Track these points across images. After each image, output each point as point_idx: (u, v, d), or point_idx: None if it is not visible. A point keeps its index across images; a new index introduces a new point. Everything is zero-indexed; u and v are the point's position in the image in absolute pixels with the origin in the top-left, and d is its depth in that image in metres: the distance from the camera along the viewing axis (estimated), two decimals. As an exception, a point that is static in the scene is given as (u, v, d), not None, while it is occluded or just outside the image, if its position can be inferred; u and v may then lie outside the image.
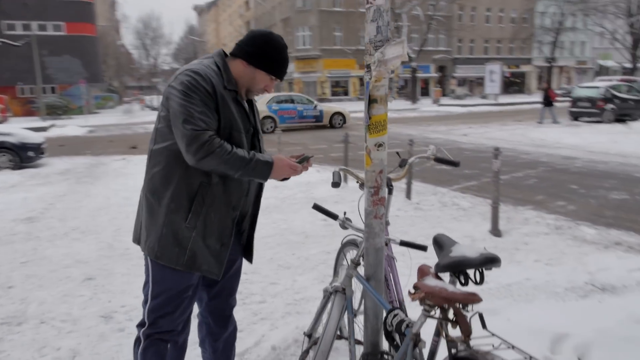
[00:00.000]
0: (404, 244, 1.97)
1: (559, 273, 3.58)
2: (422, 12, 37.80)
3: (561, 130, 14.64)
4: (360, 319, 2.12)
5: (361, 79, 45.18)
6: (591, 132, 13.80)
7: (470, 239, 4.48)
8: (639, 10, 43.12)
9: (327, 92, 43.73)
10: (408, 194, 6.12)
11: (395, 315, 1.52)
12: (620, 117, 17.22)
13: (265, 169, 1.65)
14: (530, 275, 3.52)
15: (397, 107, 33.67)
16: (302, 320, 2.83)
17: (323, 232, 4.85)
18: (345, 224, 2.13)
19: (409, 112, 27.07)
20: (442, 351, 1.44)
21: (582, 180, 7.41)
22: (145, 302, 1.81)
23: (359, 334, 2.05)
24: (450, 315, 1.34)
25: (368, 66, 1.68)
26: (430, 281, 1.38)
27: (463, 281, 1.50)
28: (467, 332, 1.29)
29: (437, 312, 1.37)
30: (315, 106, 18.18)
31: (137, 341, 1.84)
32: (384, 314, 1.59)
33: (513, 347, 1.27)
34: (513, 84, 51.91)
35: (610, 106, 17.09)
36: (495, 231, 4.64)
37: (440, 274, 1.50)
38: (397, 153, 2.43)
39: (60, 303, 3.25)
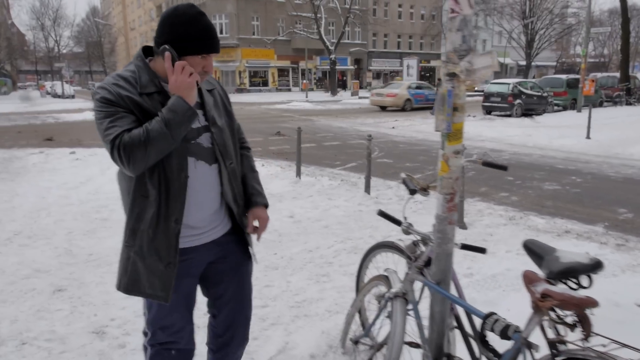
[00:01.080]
0: (465, 247, 2.00)
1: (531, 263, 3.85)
2: (339, 5, 38.38)
3: (478, 124, 15.67)
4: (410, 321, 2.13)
5: (280, 70, 45.07)
6: (505, 126, 14.94)
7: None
8: (532, 13, 47.23)
9: (246, 82, 43.01)
10: (367, 188, 6.22)
11: (496, 321, 1.56)
12: (527, 112, 18.82)
13: (179, 106, 1.47)
14: (509, 266, 3.76)
15: (318, 98, 34.00)
16: (319, 324, 2.80)
17: (295, 229, 4.79)
18: (409, 229, 2.12)
19: (332, 104, 27.42)
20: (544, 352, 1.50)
21: (514, 172, 8.01)
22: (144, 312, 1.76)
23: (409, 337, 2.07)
24: (568, 319, 1.39)
25: (452, 74, 1.68)
26: (557, 288, 1.42)
27: (575, 286, 1.56)
28: (589, 334, 1.35)
29: (551, 316, 1.42)
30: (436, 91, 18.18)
31: (145, 348, 1.80)
32: (466, 320, 1.62)
33: (625, 345, 1.35)
34: (423, 78, 54.64)
35: (518, 101, 18.60)
36: (461, 224, 4.87)
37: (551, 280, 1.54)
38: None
39: (37, 320, 2.92)
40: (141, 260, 1.59)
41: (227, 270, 1.80)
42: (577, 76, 21.10)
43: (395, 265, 2.44)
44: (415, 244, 2.13)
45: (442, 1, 50.72)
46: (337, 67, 39.68)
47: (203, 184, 1.64)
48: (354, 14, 38.26)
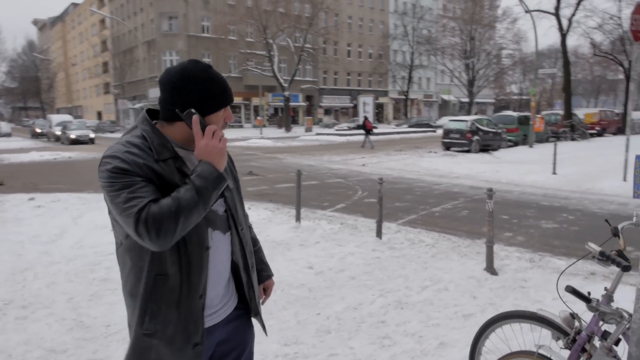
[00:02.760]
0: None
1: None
2: (292, 43, 38.98)
3: (444, 160, 16.02)
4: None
5: (232, 106, 44.53)
6: (469, 162, 15.35)
7: (475, 280, 4.50)
8: (472, 53, 50.06)
9: (198, 119, 42.23)
10: (379, 233, 6.00)
11: None
12: (484, 147, 19.53)
13: (210, 173, 1.36)
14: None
15: (273, 135, 33.90)
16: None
17: (322, 283, 4.46)
18: (600, 307, 1.87)
19: (291, 141, 27.34)
20: None
21: (506, 210, 8.08)
22: None
23: None
24: None
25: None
26: None
27: None
28: None
29: None
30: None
31: None
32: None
33: None
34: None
35: (476, 137, 19.28)
36: (492, 269, 4.74)
37: None
38: (607, 221, 2.23)
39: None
40: (168, 346, 1.43)
41: (233, 350, 1.66)
42: (527, 113, 22.27)
43: (522, 340, 2.21)
44: (573, 316, 1.91)
45: (389, 42, 52.94)
46: (290, 103, 39.91)
47: (218, 255, 1.52)
48: (307, 52, 38.93)
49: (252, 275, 1.67)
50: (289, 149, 22.00)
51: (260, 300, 1.79)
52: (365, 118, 22.80)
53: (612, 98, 74.11)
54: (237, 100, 44.78)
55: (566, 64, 22.83)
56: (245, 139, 28.89)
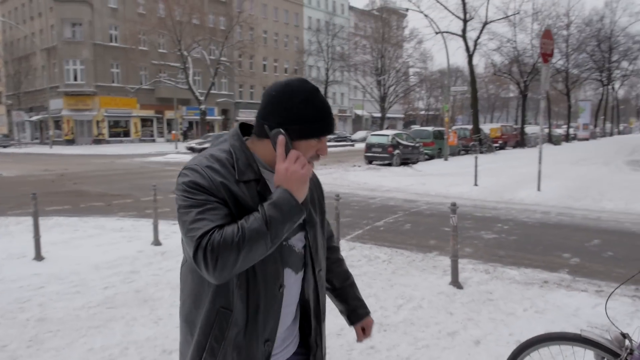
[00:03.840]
0: None
1: (559, 320, 3.87)
2: (207, 56, 38.11)
3: (369, 174, 16.38)
4: None
5: (144, 119, 42.49)
6: (394, 175, 15.82)
7: (445, 295, 4.51)
8: (384, 70, 52.29)
9: (105, 133, 39.71)
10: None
11: None
12: (404, 161, 20.29)
13: (286, 202, 1.21)
14: (546, 327, 3.70)
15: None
16: None
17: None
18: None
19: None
20: None
21: (446, 222, 8.33)
22: None
23: None
24: None
25: None
26: None
27: None
28: None
29: None
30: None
31: None
32: None
33: None
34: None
35: (397, 151, 19.98)
36: (457, 284, 4.78)
37: None
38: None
39: None
40: None
41: None
42: (441, 128, 23.55)
43: None
44: (624, 335, 1.88)
45: (304, 57, 53.68)
46: (206, 117, 38.83)
47: (288, 296, 1.38)
48: (224, 66, 38.23)
49: (322, 322, 1.51)
50: (211, 164, 21.24)
51: (361, 341, 1.72)
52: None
53: (505, 114, 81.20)
54: (149, 113, 42.80)
55: (473, 82, 24.58)
56: (160, 153, 27.53)
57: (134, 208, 9.91)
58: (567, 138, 39.99)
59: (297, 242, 1.38)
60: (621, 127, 68.80)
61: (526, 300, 4.42)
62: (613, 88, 54.72)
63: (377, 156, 20.23)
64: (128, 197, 11.43)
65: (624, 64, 50.17)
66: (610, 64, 46.66)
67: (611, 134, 57.57)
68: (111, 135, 40.10)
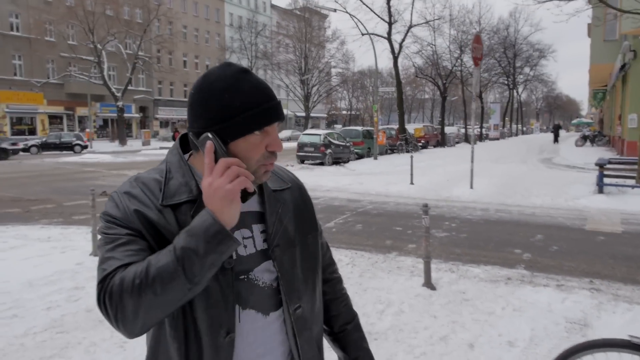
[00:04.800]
0: None
1: (539, 317, 3.94)
2: (123, 50, 35.94)
3: (305, 173, 16.24)
4: None
5: (52, 117, 39.09)
6: (331, 175, 15.83)
7: (422, 298, 4.45)
8: (307, 70, 52.59)
9: (7, 130, 36.10)
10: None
11: None
12: (336, 160, 20.42)
13: (205, 228, 0.92)
14: (530, 325, 3.75)
15: (106, 148, 30.73)
16: None
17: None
18: None
19: (134, 156, 24.97)
20: None
21: (396, 221, 8.40)
22: None
23: None
24: None
25: None
26: None
27: None
28: None
29: None
30: None
31: None
32: None
33: None
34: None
35: (329, 151, 20.05)
36: (430, 285, 4.75)
37: None
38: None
39: None
40: None
41: None
42: (370, 128, 23.99)
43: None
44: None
45: (226, 54, 52.44)
46: (124, 114, 36.59)
47: (255, 346, 1.08)
48: (142, 61, 36.23)
49: None
50: (134, 164, 19.98)
51: None
52: (176, 130, 24.12)
53: (421, 114, 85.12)
54: (58, 110, 39.55)
55: (398, 84, 25.35)
56: (78, 153, 25.47)
57: (57, 214, 8.96)
58: (481, 138, 42.61)
59: (263, 274, 1.09)
60: (524, 128, 74.74)
61: (499, 298, 4.48)
62: (517, 91, 59.31)
63: (309, 155, 20.15)
64: (48, 201, 10.34)
65: (526, 69, 54.68)
66: (515, 69, 50.53)
67: (517, 134, 62.29)
68: (14, 134, 36.44)
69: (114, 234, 0.98)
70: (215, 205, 0.93)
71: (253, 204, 1.10)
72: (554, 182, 12.87)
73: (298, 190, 1.23)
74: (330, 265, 1.36)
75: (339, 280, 1.38)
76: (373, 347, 3.37)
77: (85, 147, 30.67)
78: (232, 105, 0.99)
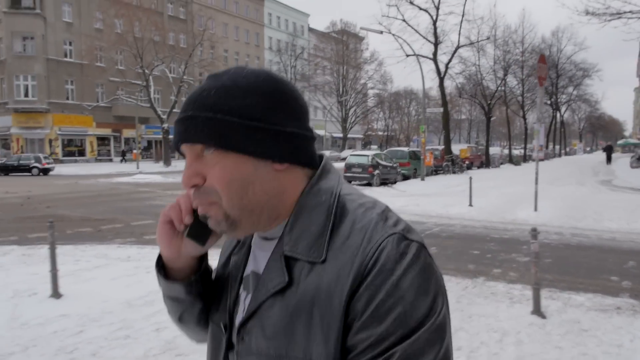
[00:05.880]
0: None
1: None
2: (169, 73, 37.10)
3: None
4: None
5: (101, 138, 40.55)
6: (383, 196, 15.65)
7: (537, 327, 4.22)
8: (346, 92, 52.93)
9: (59, 152, 37.58)
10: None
11: None
12: (383, 181, 20.24)
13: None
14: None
15: (151, 169, 31.43)
16: None
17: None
18: None
19: (180, 176, 25.34)
20: None
21: (471, 245, 8.15)
22: None
23: None
24: None
25: None
26: None
27: None
28: None
29: None
30: None
31: None
32: None
33: None
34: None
35: (377, 172, 19.90)
36: (540, 313, 4.52)
37: None
38: None
39: None
40: None
41: None
42: (416, 149, 23.78)
43: None
44: None
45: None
46: (169, 136, 37.58)
47: None
48: (188, 84, 37.31)
49: None
50: (184, 185, 20.33)
51: None
52: None
53: (458, 135, 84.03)
54: (106, 132, 41.00)
55: (445, 104, 25.13)
56: (124, 174, 26.16)
57: (128, 234, 9.12)
58: (525, 158, 41.64)
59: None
60: (567, 149, 72.70)
61: (620, 329, 4.20)
62: (559, 111, 57.90)
63: (357, 176, 20.02)
64: (115, 221, 10.56)
65: (570, 89, 53.43)
66: (557, 89, 49.42)
67: (560, 155, 60.61)
68: (65, 155, 37.96)
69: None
70: (161, 245, 0.86)
71: (262, 264, 0.80)
72: (624, 206, 12.32)
73: (351, 278, 0.69)
74: None
75: None
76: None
77: (45, 170, 27.40)
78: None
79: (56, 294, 5.05)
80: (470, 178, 13.41)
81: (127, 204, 13.43)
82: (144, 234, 9.09)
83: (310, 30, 65.11)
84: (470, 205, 12.77)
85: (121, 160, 39.74)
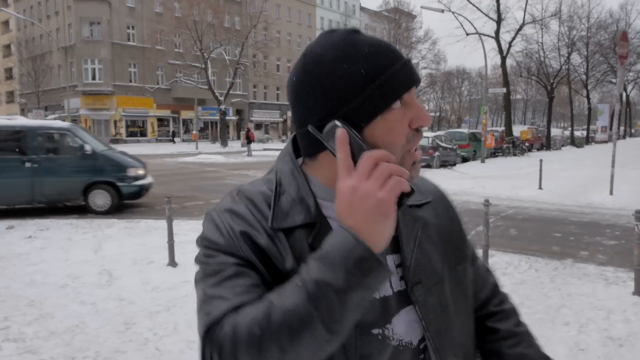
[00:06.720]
0: None
1: None
2: (226, 55, 37.89)
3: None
4: None
5: (160, 119, 42.24)
6: (446, 178, 15.61)
7: (639, 307, 4.31)
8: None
9: (122, 133, 39.45)
10: (486, 258, 5.65)
11: None
12: (443, 163, 20.11)
13: (348, 255, 0.64)
14: None
15: (210, 149, 32.44)
16: None
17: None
18: None
19: (243, 157, 26.14)
20: None
21: (551, 227, 8.14)
22: None
23: None
24: None
25: None
26: None
27: None
28: None
29: None
30: None
31: None
32: None
33: None
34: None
35: (437, 153, 19.79)
36: (641, 293, 4.59)
37: None
38: None
39: None
40: None
41: None
42: (476, 131, 23.38)
43: None
44: None
45: (318, 57, 53.52)
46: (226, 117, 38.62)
47: None
48: (244, 66, 38.03)
49: None
50: (248, 165, 21.04)
51: None
52: (248, 130, 28.26)
53: (512, 116, 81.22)
54: (165, 113, 42.57)
55: (506, 85, 24.46)
56: (187, 154, 27.24)
57: (211, 210, 9.68)
58: (587, 140, 39.91)
59: (402, 326, 0.78)
60: (633, 130, 68.86)
61: None
62: (625, 91, 54.74)
63: (416, 158, 20.01)
64: (195, 199, 11.20)
65: (637, 66, 50.26)
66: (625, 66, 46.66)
67: (624, 137, 57.57)
68: (128, 135, 39.84)
69: (217, 264, 0.73)
70: (360, 220, 0.64)
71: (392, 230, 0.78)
72: None
73: (442, 204, 0.93)
74: (495, 295, 1.01)
75: (513, 311, 1.00)
76: (624, 351, 3.33)
77: None
78: (356, 75, 0.72)
79: (173, 262, 5.57)
80: (541, 160, 13.18)
81: (200, 183, 14.11)
82: (226, 210, 9.63)
83: (362, 9, 64.32)
84: (540, 188, 12.61)
85: (171, 141, 41.18)
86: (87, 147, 9.20)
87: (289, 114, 35.85)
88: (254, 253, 0.73)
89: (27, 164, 8.88)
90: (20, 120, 9.59)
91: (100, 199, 9.29)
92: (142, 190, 9.72)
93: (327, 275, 0.63)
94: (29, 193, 8.95)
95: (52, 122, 10.26)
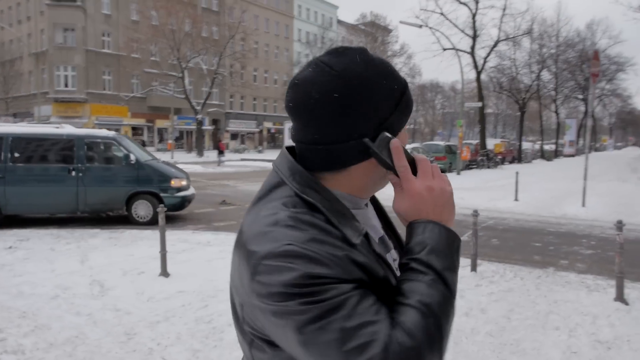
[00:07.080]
0: None
1: None
2: (203, 65, 37.74)
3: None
4: None
5: (135, 128, 41.58)
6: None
7: (624, 312, 4.53)
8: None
9: (96, 141, 38.57)
10: (474, 267, 5.83)
11: None
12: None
13: (448, 244, 0.80)
14: None
15: (185, 159, 32.12)
16: None
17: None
18: None
19: (220, 167, 26.01)
20: None
21: (530, 237, 8.42)
22: None
23: None
24: None
25: None
26: None
27: None
28: None
29: None
30: None
31: None
32: None
33: None
34: (276, 139, 56.24)
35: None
36: (623, 300, 4.81)
37: None
38: None
39: None
40: None
41: None
42: (452, 143, 23.91)
43: None
44: None
45: (295, 69, 53.80)
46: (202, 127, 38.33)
47: None
48: (222, 76, 37.90)
49: None
50: (227, 175, 20.94)
51: None
52: (220, 140, 28.94)
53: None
54: (140, 122, 41.98)
55: (481, 99, 25.15)
56: (163, 163, 26.93)
57: (196, 221, 9.65)
58: (556, 154, 41.23)
59: None
60: (597, 145, 71.39)
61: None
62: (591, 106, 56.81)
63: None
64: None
65: (602, 83, 52.34)
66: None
67: (589, 151, 59.63)
68: (101, 144, 39.05)
69: (335, 296, 0.71)
70: (442, 212, 0.81)
71: (374, 218, 0.96)
72: (673, 202, 12.36)
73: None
74: None
75: None
76: (612, 354, 3.51)
77: None
78: (393, 91, 0.81)
79: (165, 273, 5.54)
80: (517, 173, 13.59)
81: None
82: (211, 221, 9.61)
83: (339, 22, 65.08)
84: (516, 199, 12.97)
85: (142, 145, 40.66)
86: (132, 157, 9.08)
87: (286, 124, 35.93)
88: (361, 271, 0.75)
89: (73, 173, 8.79)
90: (67, 129, 9.36)
91: (142, 209, 9.16)
92: (185, 202, 9.52)
93: (445, 263, 0.77)
94: (73, 202, 8.84)
95: (98, 131, 10.04)
